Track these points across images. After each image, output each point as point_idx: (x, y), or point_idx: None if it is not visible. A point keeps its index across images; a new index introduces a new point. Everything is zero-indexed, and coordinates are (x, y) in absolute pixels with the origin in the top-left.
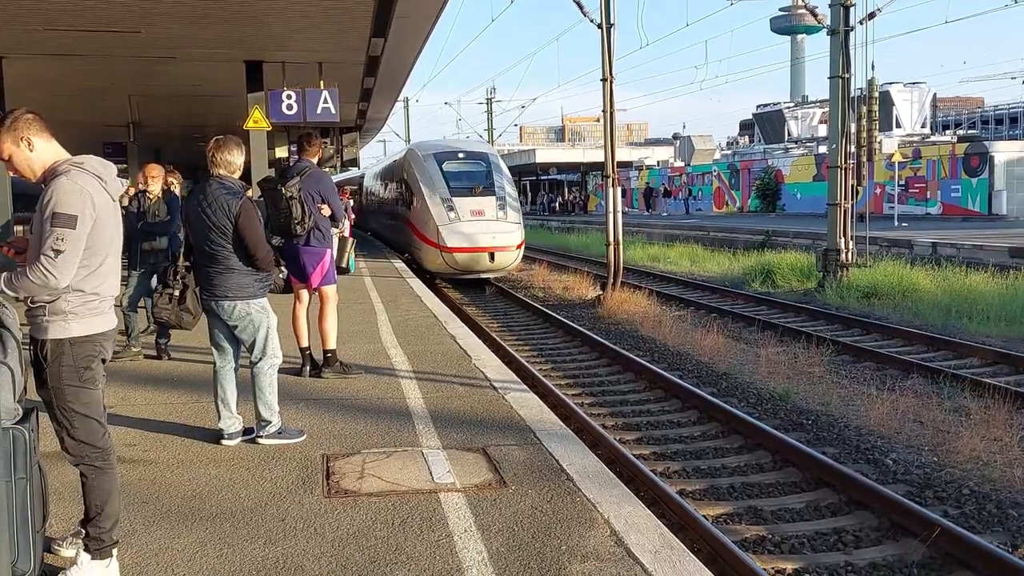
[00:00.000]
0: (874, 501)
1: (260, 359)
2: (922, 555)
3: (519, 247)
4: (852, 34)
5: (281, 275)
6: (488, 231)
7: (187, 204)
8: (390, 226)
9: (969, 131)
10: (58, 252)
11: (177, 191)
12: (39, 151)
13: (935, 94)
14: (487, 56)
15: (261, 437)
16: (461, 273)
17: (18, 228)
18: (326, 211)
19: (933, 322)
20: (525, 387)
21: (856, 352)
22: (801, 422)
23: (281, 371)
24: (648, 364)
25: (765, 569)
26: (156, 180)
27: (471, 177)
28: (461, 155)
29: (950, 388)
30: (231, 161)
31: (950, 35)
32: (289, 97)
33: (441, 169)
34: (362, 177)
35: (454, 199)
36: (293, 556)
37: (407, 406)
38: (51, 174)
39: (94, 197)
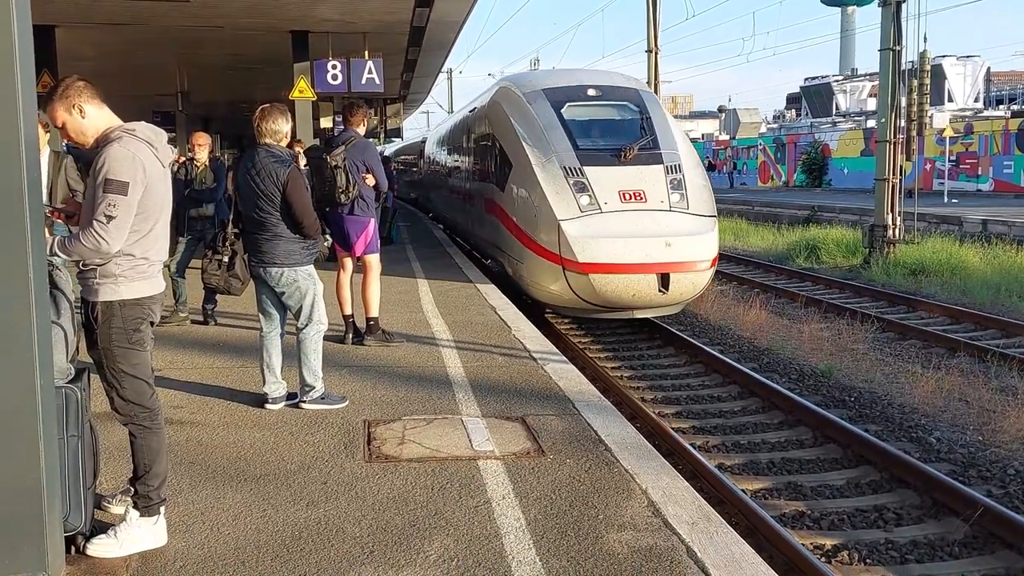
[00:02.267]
0: (916, 479)
1: (306, 325)
2: (964, 534)
3: (713, 264)
4: (904, 5)
5: (326, 243)
6: (656, 232)
7: (236, 172)
8: (464, 213)
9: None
10: (110, 218)
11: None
12: (91, 118)
13: (989, 67)
14: (531, 27)
15: (305, 402)
16: (601, 308)
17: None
18: (370, 181)
19: (981, 300)
20: (564, 358)
21: (901, 329)
22: (843, 399)
23: (324, 338)
24: (688, 338)
25: (804, 544)
26: (203, 148)
27: (615, 131)
28: (593, 92)
29: (997, 367)
30: (276, 130)
31: (1005, 6)
32: (334, 67)
33: (560, 117)
34: (423, 143)
35: (587, 171)
36: (334, 518)
37: (447, 374)
38: (103, 140)
39: (145, 164)
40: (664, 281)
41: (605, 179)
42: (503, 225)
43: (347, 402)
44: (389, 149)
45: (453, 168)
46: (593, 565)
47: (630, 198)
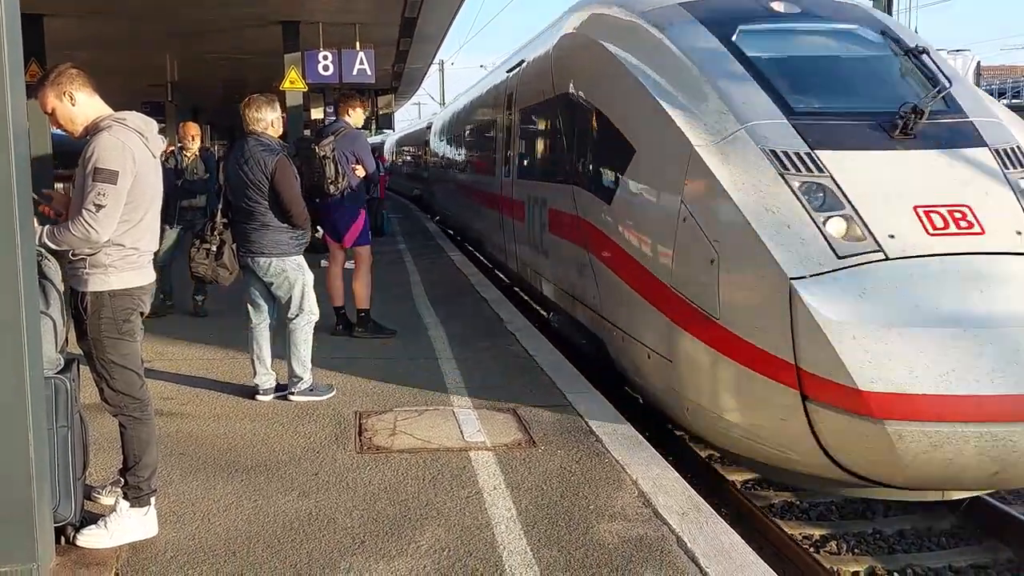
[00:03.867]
0: None
1: (296, 316)
2: (951, 524)
3: None
4: None
5: (317, 235)
6: None
7: (226, 161)
8: (496, 225)
9: (1014, 100)
10: (99, 207)
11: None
12: (81, 106)
13: (979, 62)
14: (525, 17)
15: (293, 394)
16: (893, 489)
17: (58, 185)
18: (360, 172)
19: None
20: (554, 350)
21: None
22: None
23: (315, 329)
24: None
25: (792, 535)
26: (194, 139)
27: (853, 79)
28: (781, 7)
29: None
30: (261, 118)
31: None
32: (325, 58)
33: (736, 51)
34: (428, 128)
35: (825, 159)
36: (325, 509)
37: (439, 366)
38: (93, 129)
39: (135, 153)
40: None
41: (875, 178)
42: (611, 270)
43: (335, 392)
44: (388, 141)
45: (480, 158)
46: (584, 555)
47: (944, 223)
